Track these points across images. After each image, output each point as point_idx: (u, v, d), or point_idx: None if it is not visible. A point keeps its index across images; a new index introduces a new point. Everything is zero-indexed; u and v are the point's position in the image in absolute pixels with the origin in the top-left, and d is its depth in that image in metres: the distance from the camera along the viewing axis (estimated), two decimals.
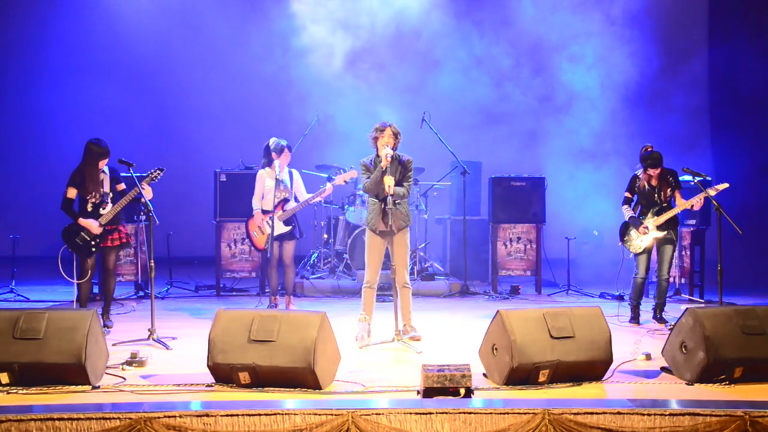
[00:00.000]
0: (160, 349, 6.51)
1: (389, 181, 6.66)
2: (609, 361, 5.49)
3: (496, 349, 5.43)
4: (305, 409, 4.65)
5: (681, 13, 12.68)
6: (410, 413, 4.60)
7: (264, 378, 5.22)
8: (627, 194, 7.82)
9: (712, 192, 7.31)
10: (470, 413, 4.60)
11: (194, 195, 11.72)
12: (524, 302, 9.25)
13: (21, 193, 12.38)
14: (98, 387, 5.26)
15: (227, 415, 4.54)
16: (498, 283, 9.97)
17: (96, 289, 8.73)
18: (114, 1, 12.38)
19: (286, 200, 8.02)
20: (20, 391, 5.13)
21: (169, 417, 4.52)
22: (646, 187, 7.68)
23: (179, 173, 11.65)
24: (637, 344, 6.56)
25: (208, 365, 5.30)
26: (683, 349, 5.50)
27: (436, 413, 4.59)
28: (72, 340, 5.18)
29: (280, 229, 8.00)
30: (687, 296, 9.40)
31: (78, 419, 4.47)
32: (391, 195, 6.66)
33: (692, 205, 7.53)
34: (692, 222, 9.32)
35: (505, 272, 10.04)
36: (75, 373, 5.18)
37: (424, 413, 4.59)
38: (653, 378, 5.62)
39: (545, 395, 5.15)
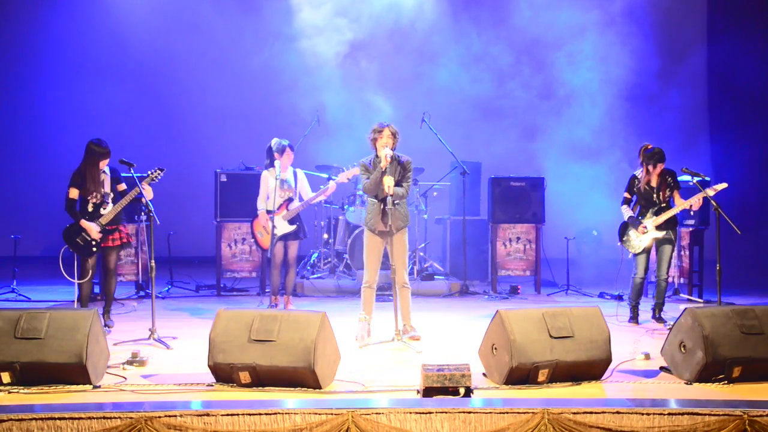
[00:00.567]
0: (160, 348, 6.53)
1: (389, 181, 6.68)
2: (608, 360, 5.50)
3: (495, 348, 5.44)
4: (305, 408, 4.66)
5: (679, 10, 12.68)
6: (410, 413, 4.61)
7: (264, 377, 5.23)
8: (626, 194, 7.83)
9: (710, 192, 7.32)
10: (470, 413, 4.61)
11: (195, 195, 11.73)
12: (524, 302, 9.26)
13: (22, 193, 12.40)
14: (99, 386, 5.27)
15: (228, 415, 4.55)
16: (497, 283, 9.98)
17: (97, 289, 8.74)
18: (115, 1, 12.39)
19: (290, 200, 8.03)
20: (21, 391, 5.14)
21: (169, 416, 4.53)
22: (646, 187, 7.69)
23: (180, 173, 11.66)
24: (636, 344, 6.59)
25: (208, 365, 5.31)
26: (682, 349, 5.51)
27: (436, 413, 4.60)
28: (73, 339, 5.19)
29: (285, 228, 8.01)
30: (686, 296, 9.41)
31: (79, 419, 4.48)
32: (391, 195, 6.67)
33: (690, 205, 7.55)
34: (691, 222, 9.33)
35: (505, 272, 10.05)
36: (76, 373, 5.19)
37: (423, 413, 4.60)
38: (652, 377, 5.63)
39: (544, 395, 5.16)
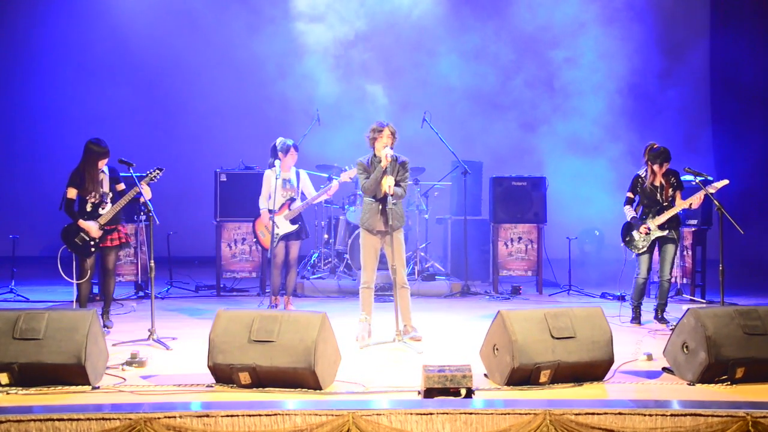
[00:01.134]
0: (160, 349, 6.50)
1: (389, 181, 6.67)
2: (610, 361, 5.48)
3: (497, 349, 5.41)
4: (305, 409, 4.63)
5: (681, 4, 12.66)
6: (411, 414, 4.59)
7: (264, 378, 5.20)
8: (629, 194, 7.81)
9: (711, 190, 7.30)
10: (471, 414, 4.59)
11: (194, 195, 11.72)
12: (525, 302, 9.23)
13: (21, 193, 12.38)
14: (98, 387, 5.25)
15: (227, 416, 4.53)
16: (499, 283, 9.96)
17: (96, 290, 8.72)
18: (115, 1, 12.38)
19: (292, 199, 8.01)
20: (20, 392, 5.12)
21: (169, 417, 4.51)
22: (650, 186, 7.66)
23: (179, 173, 11.67)
24: (639, 344, 6.56)
25: (208, 365, 5.29)
26: (685, 350, 5.48)
27: (437, 414, 4.58)
28: (72, 340, 5.17)
29: (287, 227, 7.99)
30: (688, 296, 9.38)
31: (78, 420, 4.46)
32: (391, 195, 6.65)
33: (691, 204, 7.53)
34: (694, 222, 9.30)
35: (506, 272, 10.02)
36: (75, 374, 5.16)
37: (424, 414, 4.58)
38: (655, 378, 5.61)
39: (546, 396, 5.13)
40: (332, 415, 4.56)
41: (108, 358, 5.62)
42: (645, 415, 4.60)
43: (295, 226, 8.03)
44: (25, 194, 12.29)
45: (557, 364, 5.27)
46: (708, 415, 4.59)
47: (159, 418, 4.49)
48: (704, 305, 8.75)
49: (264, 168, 8.31)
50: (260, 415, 4.54)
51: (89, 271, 7.29)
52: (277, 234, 7.92)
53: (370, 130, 6.84)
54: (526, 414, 4.58)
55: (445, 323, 7.90)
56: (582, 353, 5.35)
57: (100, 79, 12.42)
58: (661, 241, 7.68)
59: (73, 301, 7.39)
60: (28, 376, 5.17)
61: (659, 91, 11.84)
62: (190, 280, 10.18)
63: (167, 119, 12.59)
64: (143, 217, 9.07)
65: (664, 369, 5.75)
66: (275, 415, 4.55)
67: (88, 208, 7.20)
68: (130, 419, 4.47)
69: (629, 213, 7.77)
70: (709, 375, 5.33)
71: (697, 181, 7.52)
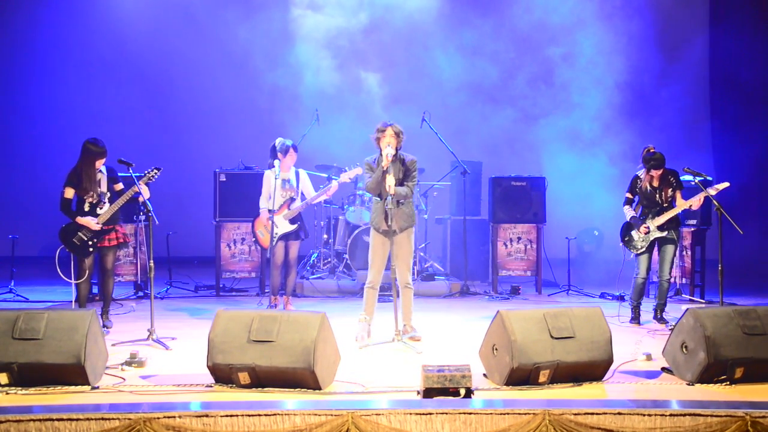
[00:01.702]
0: (159, 349, 6.50)
1: (390, 180, 6.67)
2: (609, 361, 5.48)
3: (496, 349, 5.41)
4: (305, 409, 4.63)
5: (681, 1, 12.66)
6: (410, 414, 4.59)
7: (264, 378, 5.20)
8: (628, 195, 7.81)
9: (712, 191, 7.30)
10: (470, 414, 4.59)
11: (194, 195, 11.71)
12: (524, 302, 9.24)
13: (20, 193, 12.37)
14: (97, 387, 5.25)
15: (227, 416, 4.53)
16: (498, 283, 9.95)
17: (96, 290, 8.72)
18: (115, 1, 12.39)
19: (292, 200, 8.01)
20: (19, 392, 5.12)
21: (168, 417, 4.51)
22: (648, 187, 7.66)
23: (179, 173, 11.67)
24: (638, 344, 6.56)
25: (207, 365, 5.29)
26: (684, 350, 5.48)
27: (436, 414, 4.58)
28: (71, 340, 5.17)
29: (286, 227, 8.00)
30: (688, 296, 9.39)
31: (77, 420, 4.45)
32: (392, 195, 6.65)
33: (691, 205, 7.53)
34: (693, 222, 9.30)
35: (506, 272, 10.02)
36: (74, 374, 5.16)
37: (424, 414, 4.58)
38: (654, 378, 5.61)
39: (546, 395, 5.14)
40: (331, 415, 4.56)
41: (107, 358, 5.62)
42: (644, 415, 4.61)
43: (294, 226, 8.03)
44: (24, 194, 12.28)
45: (556, 364, 5.27)
46: (707, 415, 4.59)
47: (158, 418, 4.49)
48: (703, 305, 8.76)
49: (263, 168, 8.30)
50: (260, 415, 4.54)
51: (87, 271, 7.28)
52: (276, 234, 7.92)
53: (375, 130, 6.84)
54: (525, 414, 4.58)
55: (445, 323, 7.90)
56: (581, 353, 5.35)
57: (100, 79, 12.41)
58: (660, 241, 7.69)
59: (72, 301, 7.39)
60: (27, 376, 5.17)
61: (658, 88, 11.84)
62: (190, 280, 10.18)
63: (167, 119, 12.58)
64: (142, 217, 9.07)
65: (663, 369, 5.75)
66: (274, 415, 4.55)
67: (86, 207, 7.19)
68: (129, 419, 4.47)
69: (629, 213, 7.77)
70: (708, 375, 5.33)
71: (696, 181, 7.52)
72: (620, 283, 8.42)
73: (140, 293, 9.40)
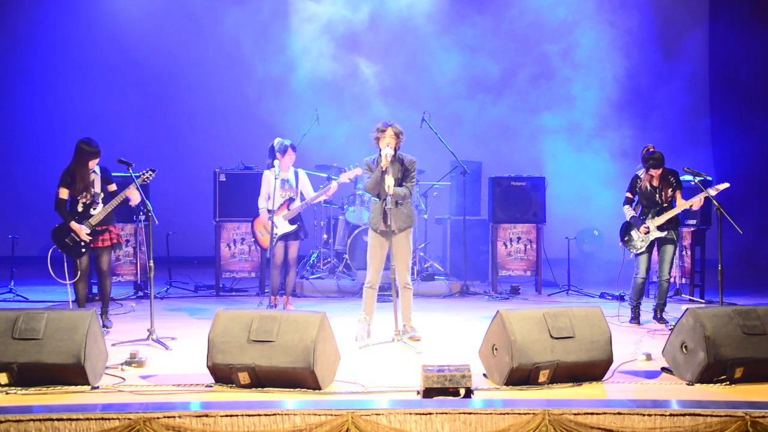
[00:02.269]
0: (159, 349, 6.50)
1: (389, 181, 6.66)
2: (609, 361, 5.48)
3: (496, 349, 5.41)
4: (305, 409, 4.64)
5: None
6: (410, 414, 4.59)
7: (263, 378, 5.20)
8: (628, 194, 7.81)
9: (712, 192, 7.30)
10: (470, 413, 4.59)
11: (194, 195, 11.70)
12: (524, 302, 9.23)
13: (20, 193, 12.36)
14: (97, 387, 5.25)
15: (227, 416, 4.53)
16: (498, 283, 9.95)
17: (96, 290, 8.71)
18: (115, 2, 12.39)
19: (291, 200, 8.02)
20: (19, 392, 5.12)
21: (168, 417, 4.51)
22: (648, 187, 7.66)
23: (179, 173, 11.67)
24: (638, 344, 6.56)
25: (207, 365, 5.29)
26: (684, 350, 5.49)
27: (436, 413, 4.58)
28: (71, 340, 5.17)
29: (286, 228, 8.00)
30: (687, 296, 9.39)
31: (77, 420, 4.46)
32: (391, 195, 6.65)
33: (691, 205, 7.53)
34: (693, 222, 9.30)
35: (505, 272, 10.02)
36: (74, 374, 5.17)
37: (423, 413, 4.58)
38: (654, 378, 5.61)
39: (545, 395, 5.14)
40: (331, 415, 4.56)
41: (107, 358, 5.62)
42: (644, 415, 4.61)
43: (294, 226, 8.03)
44: (24, 194, 12.27)
45: (556, 364, 5.27)
46: (707, 415, 4.60)
47: (158, 418, 4.49)
48: (703, 305, 8.76)
49: (263, 168, 8.30)
50: (259, 415, 4.54)
51: (80, 272, 7.26)
52: (276, 234, 7.92)
53: (375, 129, 6.84)
54: (525, 414, 4.58)
55: (445, 323, 7.90)
56: (581, 353, 5.35)
57: (100, 79, 12.40)
58: (660, 241, 7.69)
59: (69, 302, 7.39)
60: (27, 376, 5.17)
61: (658, 85, 11.84)
62: (190, 280, 10.17)
63: (167, 119, 12.57)
64: (142, 217, 9.06)
65: (663, 369, 5.75)
66: (274, 415, 4.55)
67: (79, 208, 7.17)
68: (129, 419, 4.47)
69: (628, 213, 7.77)
70: (707, 375, 5.33)
71: (696, 181, 7.52)
72: (620, 283, 8.42)
73: (140, 293, 9.39)
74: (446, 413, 4.59)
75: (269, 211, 7.91)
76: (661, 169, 7.57)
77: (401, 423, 4.56)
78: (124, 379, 5.48)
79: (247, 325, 5.29)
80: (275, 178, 7.83)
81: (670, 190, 7.65)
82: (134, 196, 7.03)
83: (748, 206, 10.86)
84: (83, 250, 7.20)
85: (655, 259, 7.83)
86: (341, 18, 11.19)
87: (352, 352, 6.43)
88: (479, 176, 10.86)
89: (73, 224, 7.12)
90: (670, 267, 7.75)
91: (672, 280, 8.60)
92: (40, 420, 4.45)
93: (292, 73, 11.27)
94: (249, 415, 4.53)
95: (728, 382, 5.32)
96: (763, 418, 4.56)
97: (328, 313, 5.45)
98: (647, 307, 8.02)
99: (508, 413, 4.59)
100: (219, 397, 5.11)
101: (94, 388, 5.22)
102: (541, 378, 5.27)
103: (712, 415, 4.59)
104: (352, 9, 11.28)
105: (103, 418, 4.47)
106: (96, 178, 7.22)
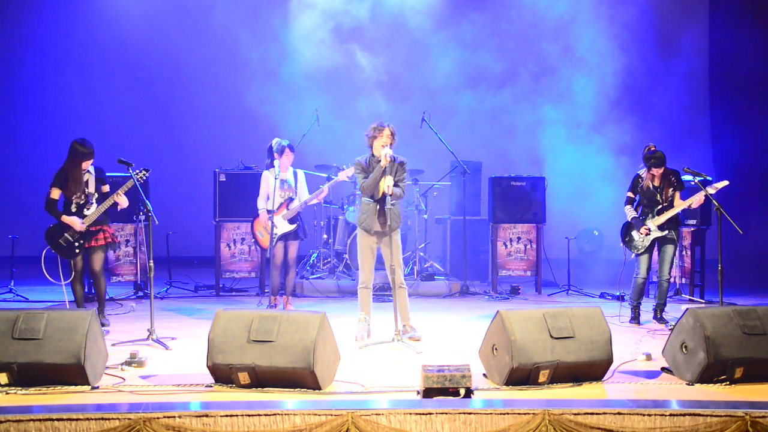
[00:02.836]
0: (159, 349, 6.50)
1: (389, 181, 6.68)
2: (609, 361, 5.48)
3: (496, 349, 5.41)
4: (305, 409, 4.64)
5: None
6: (410, 413, 4.59)
7: (263, 378, 5.20)
8: (629, 194, 7.81)
9: (711, 191, 7.31)
10: (470, 413, 4.59)
11: (194, 195, 11.71)
12: (524, 302, 9.23)
13: (20, 193, 12.36)
14: (97, 387, 5.25)
15: (227, 416, 4.53)
16: (498, 283, 9.95)
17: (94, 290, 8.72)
18: (115, 2, 12.39)
19: (290, 200, 8.02)
20: (19, 392, 5.12)
21: (168, 417, 4.51)
22: (649, 187, 7.66)
23: (178, 173, 11.68)
24: (638, 344, 6.56)
25: (207, 365, 5.29)
26: (684, 350, 5.48)
27: (436, 413, 4.58)
28: (71, 340, 5.17)
29: (285, 227, 8.00)
30: (687, 296, 9.39)
31: (77, 420, 4.46)
32: (390, 195, 6.66)
33: (690, 204, 7.54)
34: (693, 222, 9.30)
35: (505, 272, 10.02)
36: (74, 374, 5.16)
37: (423, 413, 4.58)
38: (654, 378, 5.61)
39: (545, 395, 5.14)
40: (331, 414, 4.56)
41: (107, 358, 5.62)
42: (644, 414, 4.61)
43: (294, 226, 8.03)
44: (24, 194, 12.25)
45: (556, 363, 5.27)
46: (707, 415, 4.59)
47: (158, 418, 4.49)
48: (703, 305, 8.76)
49: (263, 168, 8.31)
50: (259, 415, 4.54)
51: (74, 272, 7.24)
52: (276, 234, 7.92)
53: (370, 129, 6.86)
54: (525, 414, 4.58)
55: (444, 323, 7.90)
56: (581, 353, 5.35)
57: (100, 80, 12.40)
58: (660, 241, 7.69)
59: (65, 302, 7.38)
60: (27, 376, 5.17)
61: (658, 81, 11.83)
62: (190, 280, 10.17)
63: (167, 119, 12.57)
64: (142, 217, 9.07)
65: (663, 369, 5.75)
66: (274, 415, 4.55)
67: (73, 208, 7.17)
68: (129, 419, 4.47)
69: (630, 213, 7.77)
70: (707, 375, 5.33)
71: (696, 181, 7.52)
72: (620, 283, 8.42)
73: (140, 293, 9.39)
74: (446, 413, 4.59)
75: (269, 211, 7.92)
76: (662, 168, 7.57)
77: (401, 423, 4.56)
78: (124, 379, 5.48)
79: (247, 325, 5.29)
80: (275, 179, 7.83)
81: (671, 190, 7.65)
82: (122, 201, 7.07)
83: (748, 204, 10.86)
84: (77, 250, 7.20)
85: (655, 259, 7.83)
86: (342, 18, 11.19)
87: (352, 352, 6.42)
88: (479, 176, 10.86)
89: (65, 217, 7.12)
90: (671, 267, 7.75)
91: (672, 280, 8.60)
92: (40, 420, 4.45)
93: (292, 73, 11.27)
94: (249, 415, 4.53)
95: (728, 382, 5.32)
96: (763, 418, 4.56)
97: (328, 313, 5.45)
98: (647, 307, 8.02)
99: (508, 413, 4.59)
100: (219, 397, 5.11)
101: (94, 388, 5.22)
102: (541, 378, 5.27)
103: (712, 415, 4.59)
104: (353, 8, 11.27)
105: (103, 418, 4.47)
106: (90, 179, 7.23)
